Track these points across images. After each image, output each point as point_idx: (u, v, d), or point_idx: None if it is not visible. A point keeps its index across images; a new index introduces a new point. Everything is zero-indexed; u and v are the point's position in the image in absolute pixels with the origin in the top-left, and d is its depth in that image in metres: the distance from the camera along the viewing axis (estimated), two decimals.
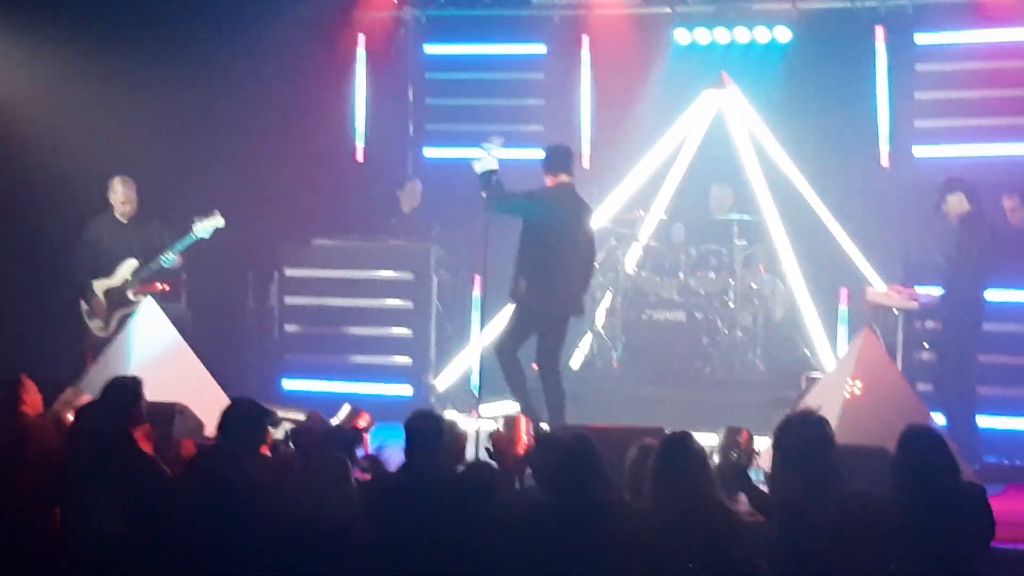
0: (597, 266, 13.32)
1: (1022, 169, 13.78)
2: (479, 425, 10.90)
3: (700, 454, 7.36)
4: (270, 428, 9.02)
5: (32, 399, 9.13)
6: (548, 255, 11.50)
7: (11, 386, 9.07)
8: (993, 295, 11.99)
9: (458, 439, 8.83)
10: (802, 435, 7.45)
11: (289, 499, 7.56)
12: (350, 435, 9.04)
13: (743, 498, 8.36)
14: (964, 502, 7.12)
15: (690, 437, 7.39)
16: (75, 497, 7.93)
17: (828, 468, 7.36)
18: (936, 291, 12.11)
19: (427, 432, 7.90)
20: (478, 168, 11.47)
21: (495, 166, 11.48)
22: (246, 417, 7.99)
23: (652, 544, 6.96)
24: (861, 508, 6.90)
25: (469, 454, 9.62)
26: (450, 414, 12.39)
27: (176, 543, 7.45)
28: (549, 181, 11.66)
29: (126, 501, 7.70)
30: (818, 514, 6.92)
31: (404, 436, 7.92)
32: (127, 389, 8.55)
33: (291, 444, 9.14)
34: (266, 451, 8.44)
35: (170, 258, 12.92)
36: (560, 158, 11.74)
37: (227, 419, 7.96)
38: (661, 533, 7.03)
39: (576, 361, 14.53)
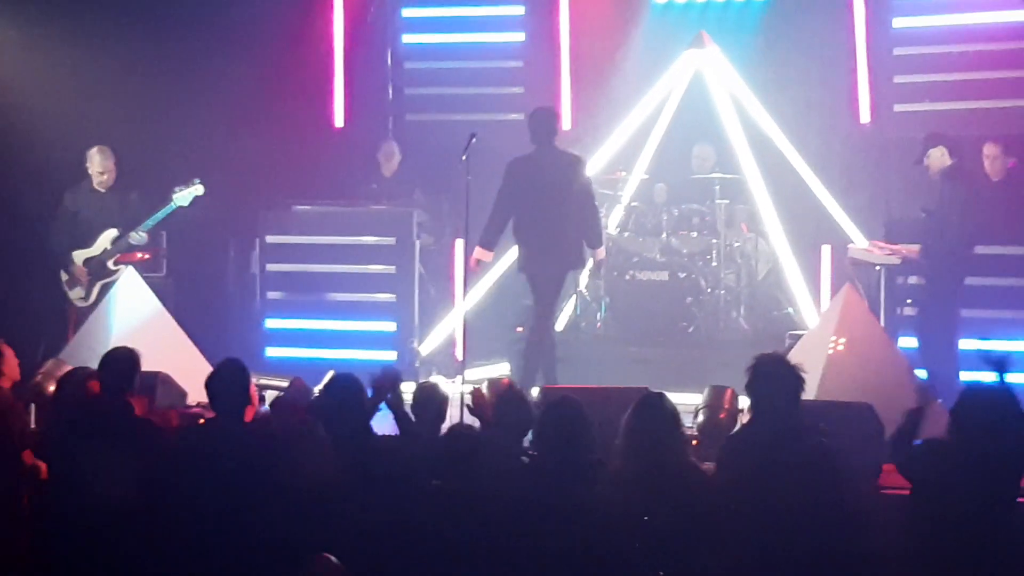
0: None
1: (1004, 122, 13.78)
2: (463, 388, 10.92)
3: (672, 415, 7.36)
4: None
5: (10, 368, 9.06)
6: (518, 221, 12.14)
7: None
8: (975, 249, 12.00)
9: (441, 401, 8.82)
10: (770, 374, 7.51)
11: (272, 464, 7.59)
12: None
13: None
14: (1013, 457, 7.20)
15: (664, 398, 7.41)
16: (70, 466, 7.88)
17: (796, 408, 7.43)
18: (918, 247, 12.12)
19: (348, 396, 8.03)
20: None
21: None
22: (232, 380, 7.99)
23: (623, 504, 6.99)
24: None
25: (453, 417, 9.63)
26: (434, 379, 12.43)
27: (175, 510, 7.47)
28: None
29: (128, 468, 7.67)
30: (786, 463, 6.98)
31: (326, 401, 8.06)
32: (125, 360, 8.53)
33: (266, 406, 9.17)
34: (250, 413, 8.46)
35: (141, 236, 12.93)
36: (531, 128, 12.21)
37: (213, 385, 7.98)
38: (630, 492, 7.05)
39: (560, 323, 14.52)
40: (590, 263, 14.18)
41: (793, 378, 7.52)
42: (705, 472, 7.46)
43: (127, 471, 7.62)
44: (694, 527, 7.01)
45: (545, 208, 11.99)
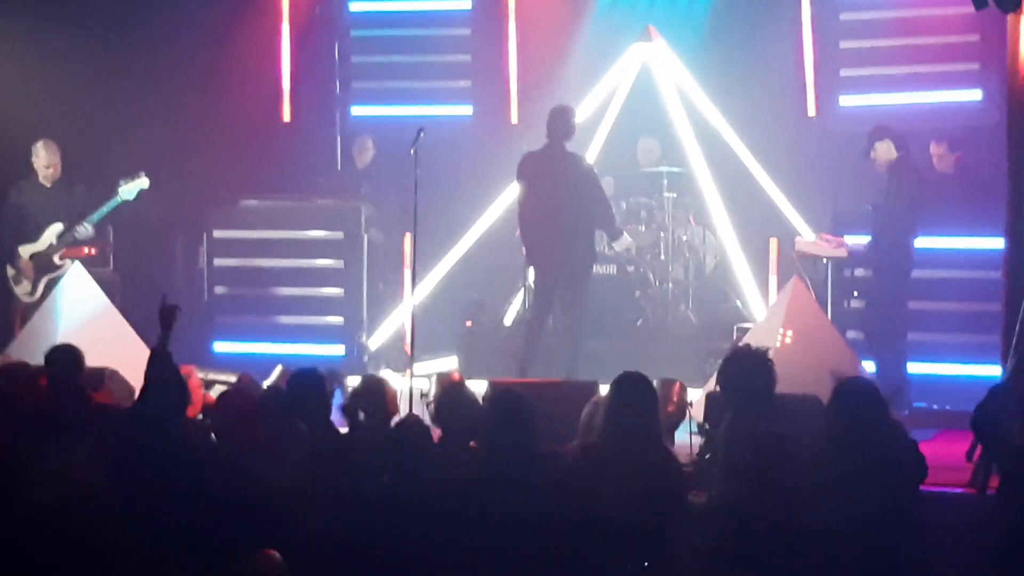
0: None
1: (949, 115, 13.86)
2: (412, 383, 10.92)
3: (653, 394, 7.46)
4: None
5: None
6: (527, 216, 12.32)
7: None
8: (921, 242, 12.07)
9: (389, 396, 8.80)
10: (746, 369, 7.59)
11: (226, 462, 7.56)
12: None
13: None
14: (893, 446, 7.20)
15: (644, 377, 7.49)
16: (28, 464, 7.78)
17: (770, 403, 7.50)
18: (865, 239, 12.18)
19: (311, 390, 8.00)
20: None
21: None
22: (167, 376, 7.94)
23: (592, 484, 7.03)
24: (780, 448, 6.99)
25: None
26: (384, 373, 12.41)
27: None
28: None
29: (97, 456, 7.60)
30: (756, 454, 7.01)
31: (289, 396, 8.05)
32: (70, 354, 8.52)
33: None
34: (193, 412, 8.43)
35: (87, 229, 12.87)
36: (548, 121, 12.36)
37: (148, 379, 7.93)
38: (605, 468, 7.10)
39: (508, 317, 14.53)
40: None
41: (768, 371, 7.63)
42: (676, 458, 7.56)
43: (96, 459, 7.54)
44: (666, 510, 7.07)
45: (555, 205, 12.11)
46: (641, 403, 7.42)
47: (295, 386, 8.15)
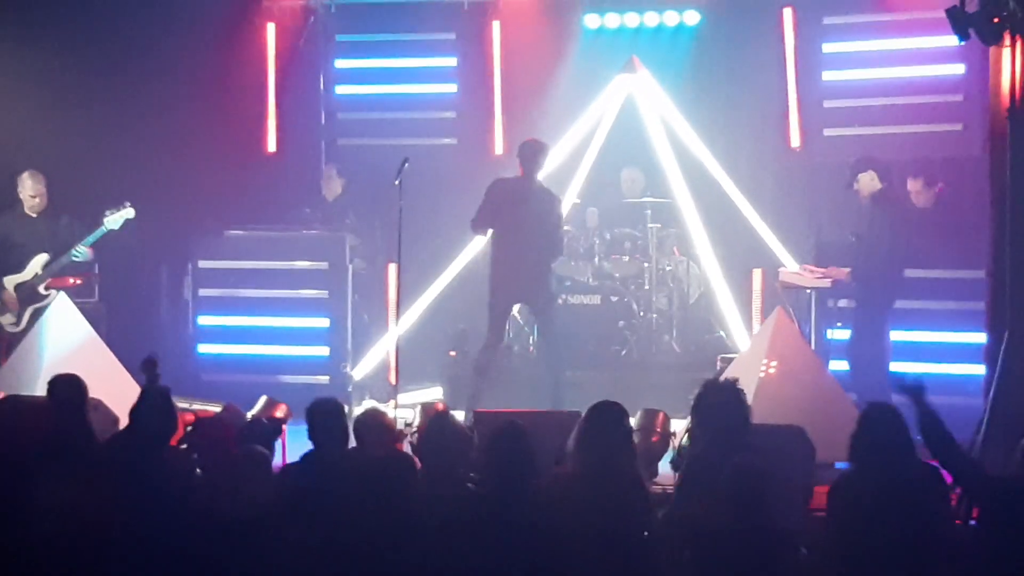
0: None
1: (932, 146, 13.92)
2: (396, 413, 10.93)
3: (626, 423, 7.51)
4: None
5: None
6: (494, 244, 12.44)
7: None
8: (905, 273, 12.11)
9: (390, 429, 8.77)
10: (718, 400, 7.62)
11: (203, 491, 7.55)
12: (268, 427, 8.98)
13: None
14: (921, 480, 7.22)
15: (620, 407, 7.50)
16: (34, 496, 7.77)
17: (744, 432, 7.53)
18: (847, 270, 12.21)
19: (331, 419, 7.98)
20: None
21: None
22: (157, 406, 7.96)
23: (561, 511, 7.05)
24: (757, 477, 7.00)
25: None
26: (368, 403, 12.42)
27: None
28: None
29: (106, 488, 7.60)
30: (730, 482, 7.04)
31: (308, 424, 8.03)
32: (74, 386, 8.52)
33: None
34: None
35: (82, 251, 12.87)
36: (521, 153, 12.45)
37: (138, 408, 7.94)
38: (575, 494, 7.13)
39: None
40: None
41: (741, 403, 7.68)
42: (647, 488, 7.57)
43: (105, 492, 7.54)
44: (633, 539, 7.09)
45: (525, 236, 12.17)
46: (614, 431, 7.43)
47: (314, 413, 8.13)
